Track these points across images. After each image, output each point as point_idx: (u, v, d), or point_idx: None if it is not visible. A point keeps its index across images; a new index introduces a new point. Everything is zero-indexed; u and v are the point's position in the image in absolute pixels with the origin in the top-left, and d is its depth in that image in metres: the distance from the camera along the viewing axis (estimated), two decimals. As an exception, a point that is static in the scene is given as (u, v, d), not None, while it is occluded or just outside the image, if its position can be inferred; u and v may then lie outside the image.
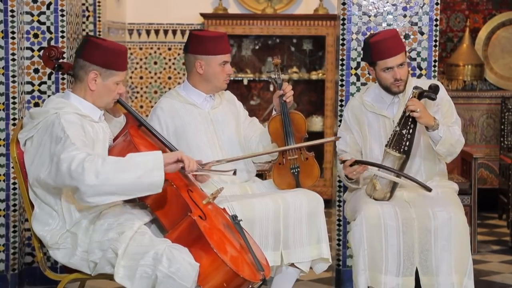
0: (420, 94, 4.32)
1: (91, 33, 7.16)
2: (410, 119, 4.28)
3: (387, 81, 4.46)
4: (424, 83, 4.50)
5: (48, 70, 5.07)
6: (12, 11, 4.91)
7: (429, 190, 4.31)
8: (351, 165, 4.33)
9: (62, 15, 5.07)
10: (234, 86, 8.10)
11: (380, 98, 4.57)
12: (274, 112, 4.56)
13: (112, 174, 3.48)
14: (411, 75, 4.85)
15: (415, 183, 4.30)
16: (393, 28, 4.95)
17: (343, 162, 4.36)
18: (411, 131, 4.29)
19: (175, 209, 3.70)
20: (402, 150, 4.28)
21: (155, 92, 8.43)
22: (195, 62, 4.46)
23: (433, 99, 4.33)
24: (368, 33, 5.04)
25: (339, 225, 5.18)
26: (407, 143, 4.28)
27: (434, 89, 4.33)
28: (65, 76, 5.04)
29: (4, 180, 4.96)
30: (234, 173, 3.98)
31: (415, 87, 4.35)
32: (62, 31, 5.08)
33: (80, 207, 3.69)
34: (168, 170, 3.59)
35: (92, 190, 3.48)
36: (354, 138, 4.62)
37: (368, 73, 5.07)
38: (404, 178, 4.30)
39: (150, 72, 8.42)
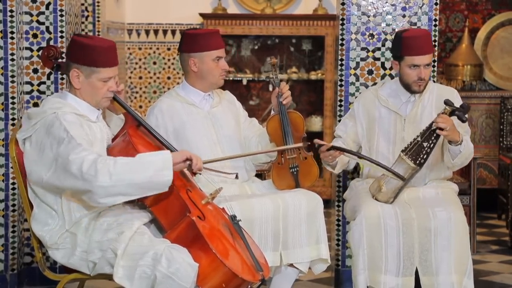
0: (452, 112, 4.26)
1: (90, 33, 7.14)
2: (435, 134, 4.24)
3: (410, 78, 4.44)
4: (445, 90, 4.52)
5: (47, 70, 5.07)
6: (11, 11, 4.90)
7: (403, 179, 4.27)
8: (327, 150, 4.32)
9: (61, 15, 5.07)
10: (233, 86, 8.09)
11: (396, 94, 4.56)
12: (272, 112, 4.56)
13: (124, 174, 3.50)
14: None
15: (389, 172, 4.26)
16: (426, 29, 4.91)
17: (319, 146, 4.35)
18: (432, 145, 4.26)
19: (174, 209, 3.69)
20: (418, 162, 4.26)
21: (154, 92, 8.43)
22: (189, 60, 4.46)
23: (463, 121, 4.28)
24: (368, 33, 5.05)
25: (338, 225, 5.18)
26: (425, 156, 4.26)
27: (465, 110, 4.27)
28: (64, 76, 5.04)
29: (3, 180, 4.96)
30: (236, 177, 3.98)
31: (446, 102, 4.27)
32: (61, 31, 5.08)
33: (79, 207, 3.69)
34: (176, 169, 3.62)
35: (105, 191, 3.49)
36: (355, 128, 4.61)
37: (369, 73, 5.07)
38: (376, 165, 4.27)
39: (149, 72, 8.42)
